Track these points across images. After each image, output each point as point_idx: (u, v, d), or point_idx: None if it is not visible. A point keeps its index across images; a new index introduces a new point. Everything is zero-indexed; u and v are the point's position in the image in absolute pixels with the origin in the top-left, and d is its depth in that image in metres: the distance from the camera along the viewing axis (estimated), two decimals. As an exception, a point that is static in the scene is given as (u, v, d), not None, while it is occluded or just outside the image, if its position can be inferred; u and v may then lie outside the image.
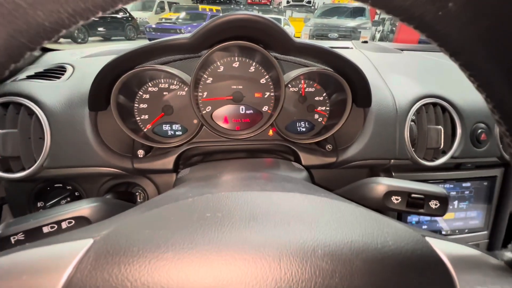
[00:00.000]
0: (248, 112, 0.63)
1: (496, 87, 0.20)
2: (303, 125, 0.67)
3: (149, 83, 0.59)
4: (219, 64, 0.60)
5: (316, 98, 0.66)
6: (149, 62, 0.56)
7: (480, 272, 0.24)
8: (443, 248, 0.24)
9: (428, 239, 0.25)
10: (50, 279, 0.18)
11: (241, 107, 0.63)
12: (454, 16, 0.17)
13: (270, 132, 0.65)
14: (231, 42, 0.52)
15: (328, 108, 0.66)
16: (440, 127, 0.61)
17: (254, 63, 0.61)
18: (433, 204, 0.39)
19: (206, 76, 0.60)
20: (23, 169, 0.54)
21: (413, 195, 0.39)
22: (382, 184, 0.41)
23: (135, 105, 0.60)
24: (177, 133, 0.63)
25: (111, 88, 0.53)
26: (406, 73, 0.72)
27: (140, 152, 0.57)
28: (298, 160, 0.62)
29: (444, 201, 0.39)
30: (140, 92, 0.60)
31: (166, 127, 0.62)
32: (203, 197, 0.25)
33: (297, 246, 0.21)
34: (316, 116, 0.66)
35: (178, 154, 0.59)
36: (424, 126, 0.62)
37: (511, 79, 0.19)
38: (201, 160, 0.66)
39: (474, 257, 0.25)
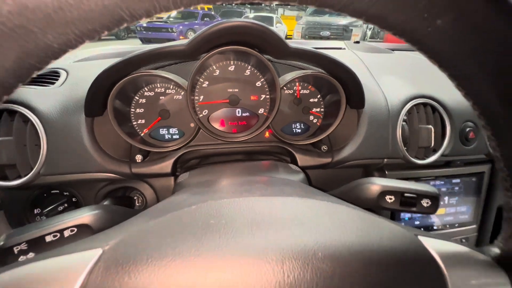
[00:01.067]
0: (244, 114, 0.64)
1: (482, 96, 0.21)
2: (299, 127, 0.68)
3: (145, 88, 0.60)
4: (215, 68, 0.60)
5: (311, 100, 0.67)
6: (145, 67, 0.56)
7: (470, 269, 0.26)
8: (434, 246, 0.25)
9: (420, 238, 0.26)
10: None
11: (237, 110, 0.64)
12: (442, 32, 0.18)
13: (267, 134, 0.66)
14: (228, 47, 0.53)
15: (322, 110, 0.67)
16: (430, 126, 0.63)
17: (249, 67, 0.61)
18: (425, 202, 0.41)
19: (202, 80, 0.60)
20: (19, 177, 0.53)
21: (406, 195, 0.41)
22: (376, 185, 0.42)
23: (132, 110, 0.60)
24: (174, 137, 0.63)
25: (108, 94, 0.53)
26: (398, 74, 0.74)
27: (138, 157, 0.58)
28: (294, 161, 0.63)
29: (435, 200, 0.40)
30: (136, 97, 0.60)
31: (163, 131, 0.62)
32: (206, 204, 0.26)
33: (298, 250, 0.22)
34: (311, 117, 0.68)
35: (176, 157, 0.60)
36: (416, 125, 0.64)
37: (495, 88, 0.20)
38: (199, 163, 0.67)
39: (464, 254, 0.27)
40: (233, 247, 0.22)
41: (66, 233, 0.34)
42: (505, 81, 0.19)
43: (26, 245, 0.32)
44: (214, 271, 0.20)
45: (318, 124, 0.68)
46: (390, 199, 0.42)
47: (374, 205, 0.43)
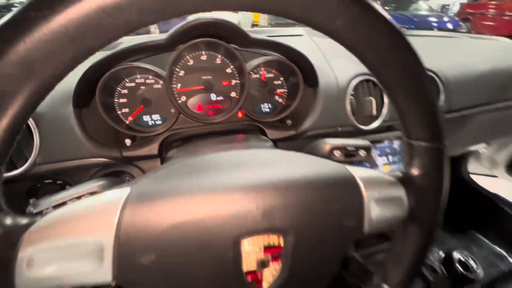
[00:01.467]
0: (218, 98, 0.73)
1: (375, 67, 0.33)
2: (267, 107, 0.79)
3: (126, 79, 0.66)
4: (189, 58, 0.68)
5: (275, 82, 0.77)
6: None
7: (380, 186, 0.39)
8: (357, 173, 0.38)
9: (347, 167, 0.38)
10: (106, 219, 0.28)
11: (212, 94, 0.72)
12: (341, 28, 0.29)
13: (240, 115, 0.76)
14: (200, 40, 0.61)
15: (285, 90, 0.79)
16: (372, 98, 0.78)
17: (219, 56, 0.70)
18: (362, 153, 0.54)
19: (178, 70, 0.68)
20: (15, 168, 0.58)
21: (348, 148, 0.54)
22: (327, 144, 0.55)
23: (115, 100, 0.66)
24: (157, 122, 0.70)
25: (93, 87, 0.59)
26: (346, 55, 0.86)
27: (127, 141, 0.65)
28: (264, 135, 0.74)
29: (368, 150, 0.54)
30: (118, 88, 0.66)
31: (146, 118, 0.69)
32: (200, 157, 0.36)
33: (268, 179, 0.32)
34: (277, 97, 0.79)
35: (161, 140, 0.68)
36: (361, 98, 0.78)
37: (379, 62, 0.32)
38: (181, 145, 0.75)
39: (377, 176, 0.40)
40: (224, 182, 0.32)
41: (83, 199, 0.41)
42: (380, 55, 0.31)
43: (52, 210, 0.39)
44: (213, 198, 0.30)
45: (283, 103, 0.79)
46: (338, 153, 0.55)
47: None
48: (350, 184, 0.36)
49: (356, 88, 0.78)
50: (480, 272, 0.60)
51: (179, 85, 0.69)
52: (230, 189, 0.31)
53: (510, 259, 1.06)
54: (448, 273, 0.62)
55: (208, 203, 0.30)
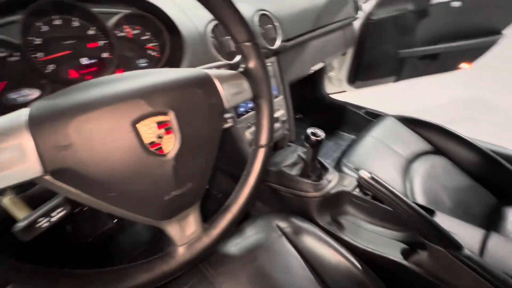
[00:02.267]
0: (91, 61, 0.76)
1: (209, 7, 0.49)
2: (143, 61, 0.87)
3: None
4: (41, 24, 0.67)
5: (143, 38, 0.85)
6: None
7: (228, 77, 0.57)
8: (211, 72, 0.56)
9: (207, 70, 0.55)
10: (18, 127, 0.35)
11: (83, 59, 0.75)
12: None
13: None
14: (42, 1, 0.62)
15: (156, 43, 0.88)
16: (229, 37, 0.97)
17: (75, 18, 0.72)
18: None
19: (33, 38, 0.66)
20: None
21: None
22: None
23: None
24: (29, 97, 0.68)
25: None
26: (199, 7, 1.02)
27: None
28: None
29: (229, 67, 0.74)
30: (-36, 69, 0.60)
31: (14, 95, 0.66)
32: (90, 80, 0.45)
33: (149, 82, 0.46)
34: (149, 51, 0.87)
35: None
36: (219, 38, 0.97)
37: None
38: None
39: (225, 72, 0.59)
40: (114, 89, 0.43)
41: None
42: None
43: None
44: (111, 98, 0.41)
45: (157, 55, 0.89)
46: None
47: None
48: (206, 77, 0.54)
49: (213, 31, 0.96)
50: (323, 135, 0.92)
51: (41, 54, 0.68)
52: (122, 92, 0.43)
53: (355, 137, 1.53)
54: (309, 144, 0.93)
55: (107, 102, 0.41)
